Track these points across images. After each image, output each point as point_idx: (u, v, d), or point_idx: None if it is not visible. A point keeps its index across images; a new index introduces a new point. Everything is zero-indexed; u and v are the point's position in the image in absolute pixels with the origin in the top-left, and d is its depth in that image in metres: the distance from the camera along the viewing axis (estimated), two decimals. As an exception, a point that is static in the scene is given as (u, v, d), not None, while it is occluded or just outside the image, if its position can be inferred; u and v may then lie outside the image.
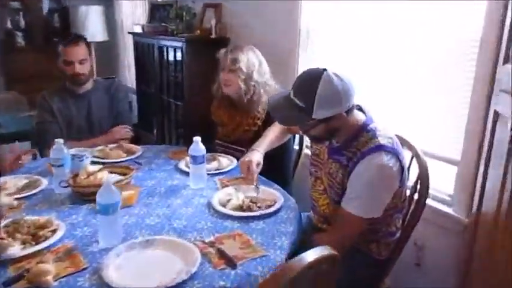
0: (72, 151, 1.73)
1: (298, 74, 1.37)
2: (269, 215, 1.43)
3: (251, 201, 1.50)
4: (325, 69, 1.29)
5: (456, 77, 1.69)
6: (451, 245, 1.73)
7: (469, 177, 1.63)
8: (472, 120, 1.60)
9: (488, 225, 1.34)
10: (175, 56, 3.16)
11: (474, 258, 1.48)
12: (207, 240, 1.26)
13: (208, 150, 1.68)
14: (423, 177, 1.50)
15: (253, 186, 1.58)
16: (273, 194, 1.58)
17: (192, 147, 1.63)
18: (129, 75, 4.67)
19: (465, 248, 1.60)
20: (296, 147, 2.16)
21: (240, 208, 1.46)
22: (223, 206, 1.48)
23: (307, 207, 1.65)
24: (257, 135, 1.88)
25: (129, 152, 2.03)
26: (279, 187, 1.66)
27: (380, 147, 1.31)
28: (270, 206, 1.48)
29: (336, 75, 1.28)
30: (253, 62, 1.91)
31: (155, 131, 3.62)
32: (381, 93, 2.02)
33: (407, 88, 1.91)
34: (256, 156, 1.66)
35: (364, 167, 1.31)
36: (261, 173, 1.66)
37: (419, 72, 1.84)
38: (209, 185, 1.68)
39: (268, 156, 1.72)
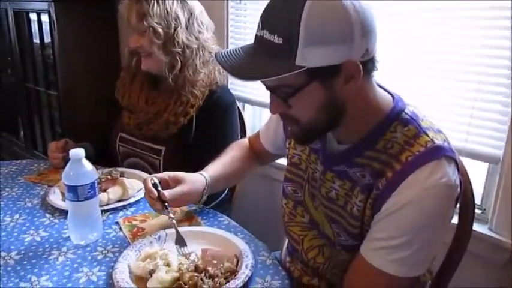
0: None
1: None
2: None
3: (196, 270, 0.82)
4: None
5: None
6: (491, 280, 1.25)
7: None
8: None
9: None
10: (40, 24, 2.21)
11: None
12: None
13: (104, 158, 1.27)
14: (467, 193, 0.99)
15: (167, 218, 0.96)
16: (224, 240, 0.94)
17: (67, 169, 0.92)
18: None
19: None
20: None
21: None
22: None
23: (269, 239, 1.05)
24: (186, 131, 1.27)
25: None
26: (227, 219, 1.07)
27: (438, 152, 0.76)
28: (231, 273, 0.83)
29: None
30: (175, 12, 1.20)
31: (22, 133, 2.69)
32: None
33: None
34: (182, 175, 1.03)
35: (416, 193, 0.74)
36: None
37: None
38: (108, 235, 0.99)
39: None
